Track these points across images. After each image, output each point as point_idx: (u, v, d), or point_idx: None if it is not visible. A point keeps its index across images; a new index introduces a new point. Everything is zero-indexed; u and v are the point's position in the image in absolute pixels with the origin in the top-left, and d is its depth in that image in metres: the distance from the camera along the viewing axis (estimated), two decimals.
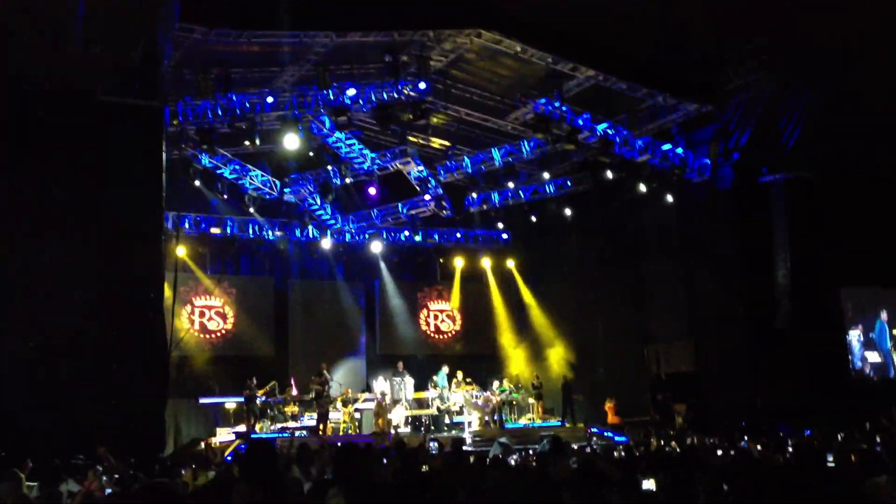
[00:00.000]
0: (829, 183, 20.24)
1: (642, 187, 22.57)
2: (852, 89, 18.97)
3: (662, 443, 16.92)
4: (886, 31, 16.99)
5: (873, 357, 22.29)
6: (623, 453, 12.19)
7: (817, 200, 20.16)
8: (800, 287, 20.41)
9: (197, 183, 21.70)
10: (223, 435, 20.34)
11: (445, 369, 23.28)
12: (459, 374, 23.12)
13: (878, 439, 10.75)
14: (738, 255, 21.10)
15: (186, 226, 22.67)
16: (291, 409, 21.47)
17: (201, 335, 23.96)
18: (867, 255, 20.68)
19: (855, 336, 22.15)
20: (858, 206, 20.12)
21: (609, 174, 22.46)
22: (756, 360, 20.53)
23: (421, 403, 22.75)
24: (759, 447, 11.65)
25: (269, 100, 18.96)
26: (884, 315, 22.61)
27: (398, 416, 21.52)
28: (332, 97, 19.05)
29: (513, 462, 11.11)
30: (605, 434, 21.42)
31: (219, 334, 24.30)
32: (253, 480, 4.94)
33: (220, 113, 18.65)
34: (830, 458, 7.50)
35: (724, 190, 21.37)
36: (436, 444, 14.77)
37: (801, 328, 20.23)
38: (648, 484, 6.35)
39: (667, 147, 21.52)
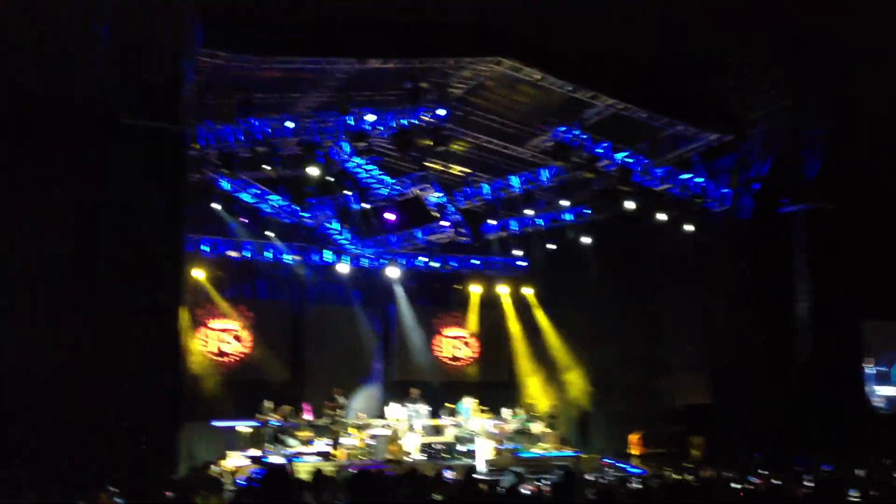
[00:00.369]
0: (851, 214, 20.11)
1: (661, 216, 22.45)
2: (874, 120, 18.93)
3: (677, 475, 16.70)
4: None
5: (891, 392, 22.10)
6: (639, 485, 12.04)
7: (839, 232, 20.01)
8: (821, 319, 20.22)
9: (216, 206, 21.94)
10: (235, 458, 20.26)
11: (467, 400, 23.14)
12: (474, 402, 22.97)
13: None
14: (756, 285, 20.94)
15: (205, 248, 22.77)
16: (305, 434, 21.38)
17: (216, 358, 23.98)
18: (889, 287, 20.53)
19: (874, 370, 21.97)
20: (880, 237, 20.00)
21: (628, 203, 22.39)
22: (774, 392, 20.30)
23: (435, 431, 22.60)
24: (776, 481, 11.50)
25: (290, 125, 19.02)
26: None
27: (412, 443, 21.39)
28: (352, 123, 19.12)
29: (526, 492, 10.98)
30: (620, 465, 21.21)
31: (234, 358, 24.29)
32: None
33: (241, 137, 18.75)
34: (853, 494, 7.38)
35: (744, 220, 21.27)
36: (451, 473, 14.63)
37: (821, 361, 20.03)
38: None
39: (687, 176, 21.44)
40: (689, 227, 22.47)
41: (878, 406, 21.83)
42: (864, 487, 8.33)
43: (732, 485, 11.33)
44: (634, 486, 11.27)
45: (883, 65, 17.51)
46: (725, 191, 21.48)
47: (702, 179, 21.47)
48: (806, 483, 9.99)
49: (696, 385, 22.77)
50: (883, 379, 22.15)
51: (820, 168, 20.27)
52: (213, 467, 18.65)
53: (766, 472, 13.17)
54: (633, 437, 22.13)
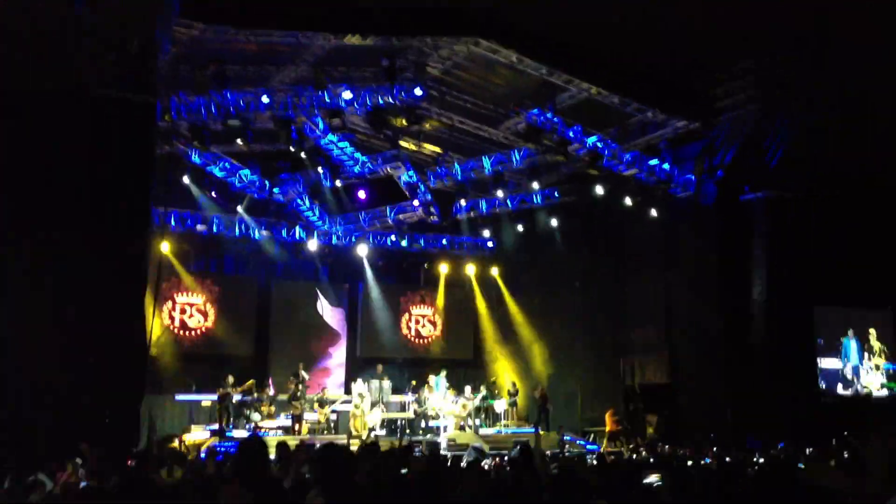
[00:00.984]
0: (809, 203, 20.55)
1: (628, 201, 22.78)
2: (834, 113, 19.28)
3: (634, 452, 17.07)
4: (870, 57, 17.27)
5: (842, 375, 22.70)
6: (595, 461, 12.28)
7: (796, 220, 20.43)
8: (775, 304, 20.68)
9: (186, 179, 21.81)
10: (197, 432, 20.32)
11: (444, 374, 23.37)
12: (431, 378, 23.19)
13: (845, 455, 10.92)
14: (717, 270, 21.36)
15: (172, 222, 22.63)
16: (267, 408, 21.46)
17: (181, 332, 23.92)
18: (842, 275, 21.04)
19: (826, 354, 22.55)
20: (835, 226, 20.45)
21: (597, 187, 22.67)
22: (729, 374, 20.79)
23: (399, 407, 22.81)
24: (728, 458, 11.81)
25: (264, 99, 18.95)
26: (852, 334, 23.01)
27: (375, 419, 21.58)
28: (327, 99, 19.09)
29: (487, 467, 11.19)
30: (578, 442, 21.61)
31: (199, 332, 24.25)
32: (244, 479, 4.97)
33: (213, 110, 18.63)
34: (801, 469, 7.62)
35: (707, 206, 21.62)
36: (418, 448, 14.83)
37: (774, 345, 20.52)
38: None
39: (654, 162, 21.75)
40: (654, 212, 22.83)
41: (835, 390, 22.39)
42: (811, 465, 8.60)
43: (687, 462, 11.62)
44: (593, 461, 11.51)
45: (847, 58, 17.81)
46: (690, 177, 21.79)
47: (668, 165, 21.80)
48: (757, 461, 10.28)
49: (654, 366, 23.20)
50: (839, 364, 22.74)
51: (781, 157, 20.64)
52: (175, 440, 18.71)
53: (720, 451, 13.51)
54: (608, 415, 22.44)
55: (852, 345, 23.00)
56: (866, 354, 23.13)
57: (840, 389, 22.51)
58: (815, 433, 14.89)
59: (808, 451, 11.09)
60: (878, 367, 23.17)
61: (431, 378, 23.10)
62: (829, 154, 19.70)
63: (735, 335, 20.82)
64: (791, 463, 7.33)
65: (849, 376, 22.77)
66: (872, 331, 23.33)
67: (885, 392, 23.03)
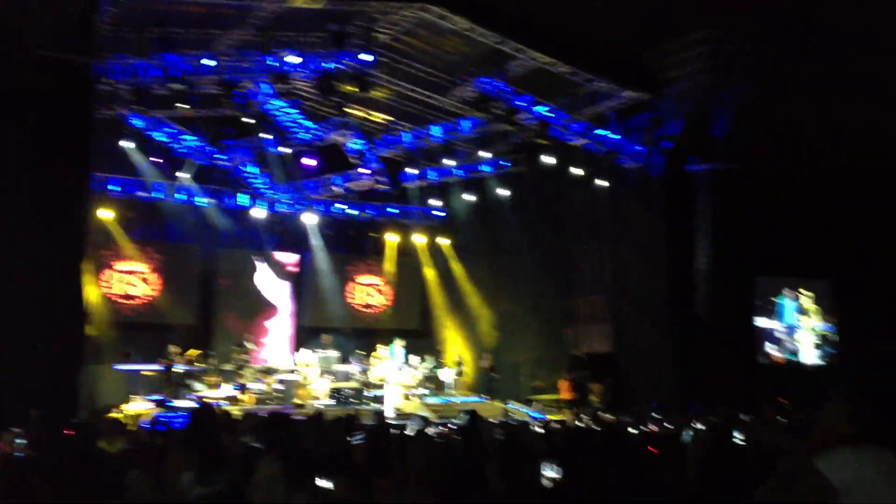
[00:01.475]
0: (754, 175, 20.83)
1: (576, 170, 22.87)
2: (780, 85, 19.52)
3: (578, 420, 17.22)
4: (818, 28, 17.49)
5: (781, 343, 23.28)
6: (541, 429, 12.36)
7: (741, 191, 20.70)
8: (718, 275, 21.01)
9: (126, 144, 21.32)
10: (139, 402, 20.02)
11: (399, 343, 23.30)
12: (381, 348, 23.14)
13: (779, 419, 11.20)
14: (664, 241, 21.58)
15: (113, 188, 22.13)
16: (212, 378, 21.22)
17: (122, 300, 23.49)
18: (784, 246, 21.47)
19: (766, 323, 23.07)
20: (779, 198, 20.79)
21: (545, 156, 22.69)
22: (672, 343, 21.10)
23: (345, 376, 22.73)
24: (669, 426, 12.01)
25: (208, 62, 18.49)
26: (789, 303, 23.54)
27: (321, 389, 21.48)
28: (273, 64, 18.70)
29: (433, 435, 11.17)
30: (523, 410, 21.79)
31: (140, 300, 23.84)
32: (193, 446, 4.87)
33: (156, 73, 18.15)
34: (738, 436, 7.78)
35: (654, 177, 21.80)
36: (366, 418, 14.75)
37: (717, 314, 20.88)
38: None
39: (602, 132, 21.81)
40: (602, 183, 22.96)
41: (774, 357, 22.92)
42: (747, 431, 8.79)
43: (629, 430, 11.77)
44: (537, 429, 11.58)
45: (795, 29, 18.00)
46: (638, 148, 21.92)
47: (617, 136, 21.88)
48: (697, 428, 10.45)
49: (600, 335, 23.43)
50: (779, 332, 23.28)
51: (728, 130, 20.87)
52: (116, 411, 18.41)
53: (661, 418, 13.72)
54: (563, 383, 22.61)
55: (787, 304, 23.51)
56: (799, 315, 23.68)
57: (773, 350, 23.03)
58: (756, 399, 15.14)
59: (742, 417, 11.32)
60: (811, 329, 23.75)
61: (381, 348, 23.00)
62: (775, 128, 19.95)
63: (680, 304, 21.11)
64: (727, 430, 7.47)
65: (782, 337, 23.31)
66: (807, 293, 23.82)
67: (817, 353, 23.61)
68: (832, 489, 2.85)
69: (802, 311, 23.73)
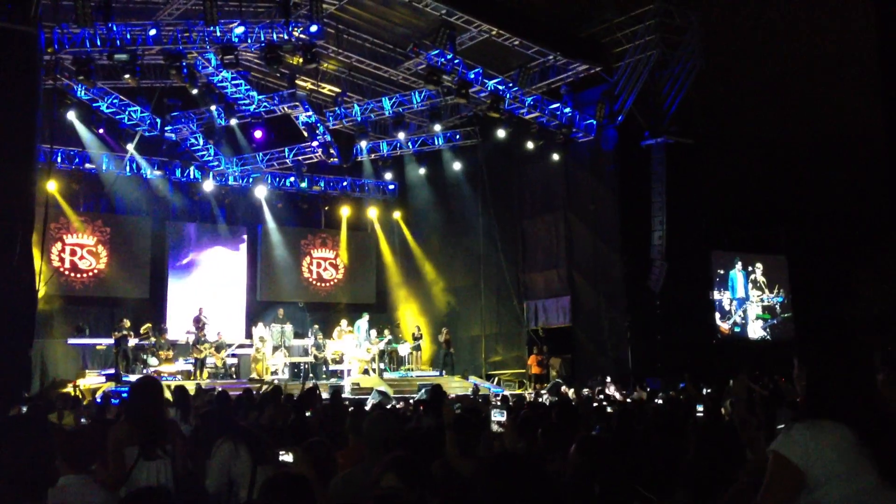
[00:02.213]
0: (707, 149, 21.03)
1: (529, 144, 22.94)
2: (733, 60, 19.74)
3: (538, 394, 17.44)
4: (763, 8, 17.70)
5: (735, 318, 23.68)
6: (499, 403, 12.51)
7: (695, 165, 20.90)
8: (673, 249, 21.25)
9: (72, 115, 20.90)
10: (92, 377, 19.77)
11: (366, 317, 23.22)
12: (343, 323, 23.07)
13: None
14: (618, 215, 21.73)
15: (59, 160, 21.68)
16: (166, 353, 21.00)
17: (72, 274, 23.09)
18: (738, 220, 21.81)
19: (720, 297, 23.44)
20: (733, 172, 21.04)
21: (498, 130, 22.72)
22: (629, 318, 21.34)
23: (302, 351, 22.66)
24: (629, 399, 12.17)
25: (152, 32, 18.10)
26: (740, 277, 23.97)
27: (277, 363, 21.39)
28: (218, 34, 18.35)
29: (392, 410, 11.23)
30: (483, 385, 21.91)
31: (90, 274, 23.45)
32: (133, 418, 4.82)
33: (98, 43, 17.75)
34: (699, 409, 7.95)
35: (607, 151, 21.94)
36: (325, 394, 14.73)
37: (672, 289, 21.14)
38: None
39: (555, 106, 21.88)
40: (555, 157, 23.07)
41: (729, 332, 23.33)
42: (708, 404, 8.94)
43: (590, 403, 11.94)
44: (497, 403, 11.69)
45: (745, 6, 18.20)
46: (591, 122, 22.02)
47: (569, 110, 21.95)
48: (657, 401, 10.62)
49: (556, 309, 23.60)
50: (733, 307, 23.69)
51: (679, 104, 21.06)
52: (68, 385, 18.19)
53: (622, 391, 13.91)
54: (532, 359, 22.75)
55: (738, 277, 23.92)
56: (750, 286, 24.12)
57: (722, 322, 23.44)
58: (712, 373, 15.48)
59: (705, 391, 11.54)
60: (759, 300, 24.23)
61: (344, 322, 22.88)
62: (727, 101, 20.17)
63: (636, 279, 21.32)
64: (688, 403, 7.63)
65: (731, 309, 23.73)
66: (759, 265, 24.27)
67: (760, 323, 24.11)
68: (795, 469, 2.86)
69: (752, 283, 24.16)
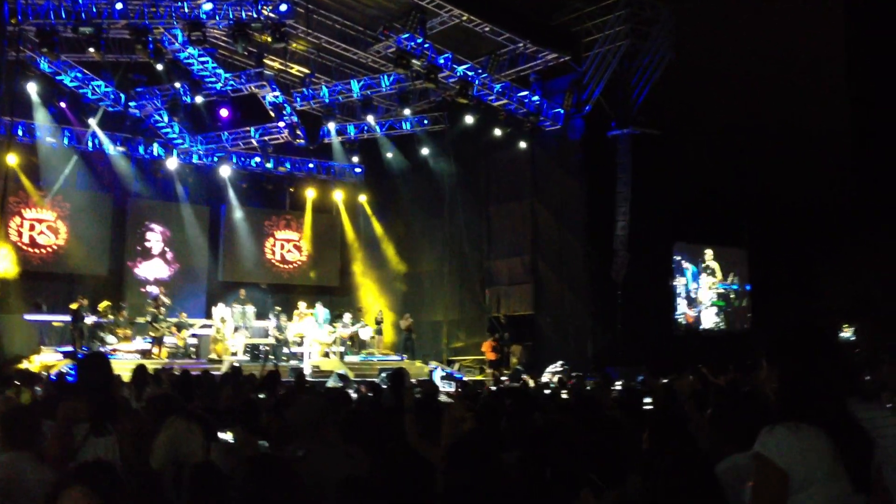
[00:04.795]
0: (673, 141, 21.16)
1: (497, 131, 22.95)
2: (702, 53, 19.86)
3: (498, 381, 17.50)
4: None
5: (695, 309, 23.97)
6: (459, 388, 12.55)
7: (660, 157, 21.03)
8: (636, 240, 21.40)
9: (34, 88, 20.55)
10: (48, 354, 19.52)
11: (319, 305, 23.07)
12: (302, 305, 22.95)
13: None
14: (583, 205, 21.82)
15: (20, 133, 21.31)
16: (124, 331, 20.79)
17: (30, 249, 22.75)
18: (700, 212, 22.00)
19: (681, 289, 23.68)
20: (699, 164, 21.18)
21: (466, 116, 22.71)
22: (591, 307, 21.48)
23: (262, 332, 22.53)
24: (588, 388, 12.26)
25: (119, 6, 17.79)
26: (705, 270, 24.24)
27: (238, 344, 21.26)
28: (186, 10, 18.12)
29: (352, 393, 11.22)
30: (446, 371, 21.96)
31: (49, 250, 23.13)
32: (82, 395, 4.77)
33: (63, 15, 17.45)
34: (648, 400, 8.05)
35: (574, 140, 22.01)
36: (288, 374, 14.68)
37: (634, 279, 21.31)
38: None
39: (523, 93, 21.91)
40: (522, 144, 23.11)
41: (689, 323, 23.58)
42: (660, 395, 9.05)
43: (546, 391, 12.01)
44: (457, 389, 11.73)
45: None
46: (559, 111, 22.08)
47: (537, 98, 21.99)
48: (615, 390, 10.72)
49: (519, 296, 23.70)
50: (693, 299, 23.94)
51: (647, 94, 21.18)
52: (24, 361, 17.95)
53: (580, 381, 13.98)
54: (487, 345, 22.77)
55: (691, 266, 24.20)
56: (705, 274, 24.39)
57: (688, 309, 23.72)
58: (672, 364, 15.55)
59: (661, 381, 11.62)
60: (713, 289, 24.54)
61: (302, 304, 22.73)
62: (694, 93, 20.27)
63: (599, 268, 21.44)
64: (641, 395, 7.71)
65: (687, 295, 23.99)
66: (708, 251, 24.54)
67: (714, 310, 24.41)
68: (781, 472, 2.84)
69: (706, 272, 24.43)
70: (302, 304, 22.78)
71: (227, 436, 5.09)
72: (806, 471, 2.84)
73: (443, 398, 6.37)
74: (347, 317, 23.17)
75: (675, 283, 23.46)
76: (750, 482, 2.94)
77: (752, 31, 19.02)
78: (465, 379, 18.55)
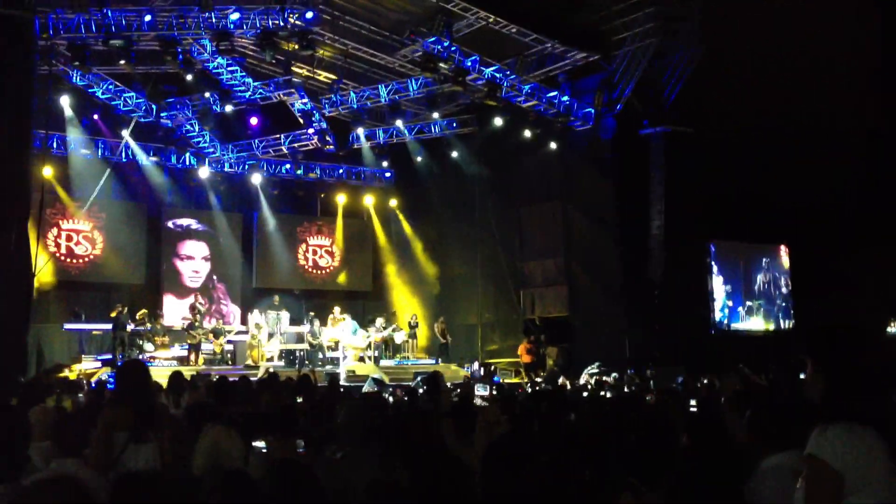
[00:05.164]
0: (707, 138, 20.92)
1: (527, 133, 22.86)
2: (733, 48, 19.61)
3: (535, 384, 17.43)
4: None
5: (734, 309, 23.67)
6: (496, 392, 12.51)
7: (694, 155, 20.82)
8: (671, 239, 21.20)
9: (67, 101, 20.85)
10: (88, 362, 19.79)
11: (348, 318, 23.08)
12: (336, 310, 23.03)
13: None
14: (616, 204, 21.64)
15: (54, 145, 21.64)
16: (162, 339, 21.01)
17: (68, 260, 23.08)
18: (736, 210, 21.72)
19: (719, 288, 23.40)
20: (733, 161, 20.92)
21: (495, 118, 22.67)
22: (626, 308, 21.29)
23: (297, 338, 22.64)
24: (627, 390, 12.17)
25: (147, 18, 18.04)
26: (743, 269, 23.95)
27: (273, 350, 21.39)
28: (213, 20, 18.29)
29: (388, 398, 11.23)
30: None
31: (86, 260, 23.43)
32: (124, 402, 4.82)
33: (93, 29, 17.68)
34: (693, 403, 7.95)
35: (606, 140, 21.83)
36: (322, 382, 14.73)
37: (670, 279, 21.10)
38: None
39: (553, 94, 21.80)
40: (553, 145, 23.00)
41: (726, 324, 23.30)
42: (700, 397, 8.95)
43: (584, 394, 11.93)
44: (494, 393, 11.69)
45: None
46: (589, 111, 21.95)
47: (567, 98, 21.88)
48: (653, 393, 10.62)
49: (554, 298, 23.59)
50: (731, 298, 23.64)
51: (679, 92, 20.97)
52: (64, 370, 18.22)
53: (618, 383, 13.86)
54: (522, 347, 22.70)
55: (737, 267, 23.93)
56: (743, 279, 24.09)
57: (720, 312, 23.44)
58: (710, 364, 15.39)
59: (700, 384, 11.49)
60: (757, 292, 24.24)
61: (337, 310, 22.73)
62: (726, 89, 20.03)
63: (633, 268, 21.26)
64: (683, 396, 7.63)
65: (727, 297, 23.72)
66: (758, 255, 24.24)
67: (758, 312, 24.13)
68: (836, 474, 2.78)
69: (747, 274, 24.15)
70: (336, 310, 22.86)
71: (260, 444, 5.13)
72: (861, 471, 2.78)
73: (478, 401, 6.33)
74: (379, 321, 23.18)
75: (718, 287, 23.19)
76: (798, 484, 2.89)
77: (783, 23, 18.74)
78: (501, 382, 18.54)
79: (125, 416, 4.72)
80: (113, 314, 20.15)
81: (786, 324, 24.31)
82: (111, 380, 13.97)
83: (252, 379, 12.18)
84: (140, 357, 19.81)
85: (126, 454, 4.68)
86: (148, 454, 4.74)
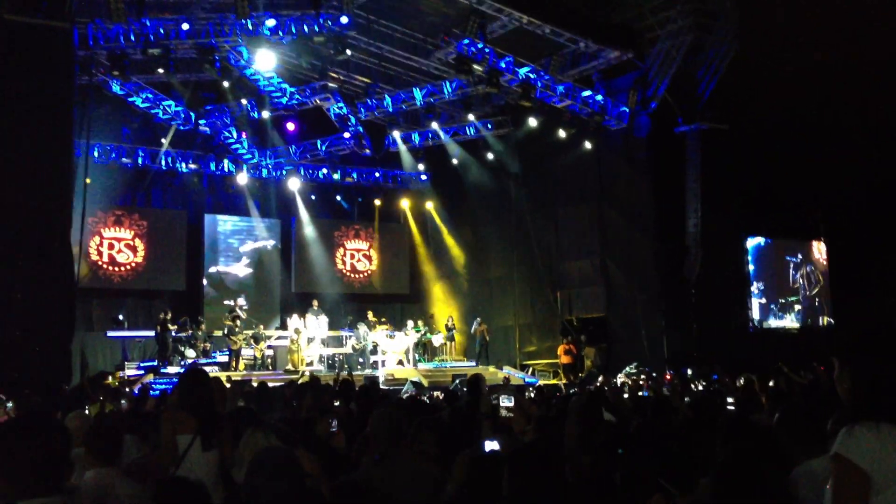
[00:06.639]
0: (742, 135, 20.71)
1: (562, 133, 22.78)
2: (767, 44, 19.39)
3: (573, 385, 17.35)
4: None
5: (772, 306, 23.41)
6: (534, 394, 12.49)
7: (730, 151, 20.60)
8: (708, 237, 21.00)
9: (107, 110, 21.19)
10: (131, 369, 20.08)
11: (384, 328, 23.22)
12: (369, 314, 23.17)
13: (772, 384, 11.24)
14: (651, 203, 21.52)
15: (96, 154, 21.98)
16: (203, 344, 21.26)
17: (110, 268, 23.43)
18: (773, 206, 21.47)
19: (756, 286, 23.16)
20: (768, 158, 20.70)
21: (530, 118, 22.63)
22: (664, 306, 21.13)
23: (336, 342, 22.78)
24: (665, 390, 12.07)
25: (185, 27, 18.28)
26: (779, 265, 23.67)
27: (312, 354, 21.54)
28: (250, 27, 18.50)
29: (426, 400, 11.26)
30: (517, 376, 21.88)
31: (128, 267, 23.78)
32: (189, 408, 4.91)
33: (132, 38, 17.95)
34: (731, 401, 7.88)
35: (641, 138, 21.70)
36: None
37: (707, 277, 20.90)
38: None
39: (587, 93, 21.72)
40: (588, 145, 22.89)
41: (765, 321, 23.07)
42: (739, 397, 8.85)
43: (623, 395, 11.85)
44: (531, 394, 11.67)
45: None
46: (623, 109, 21.83)
47: (601, 97, 21.78)
48: (692, 393, 10.53)
49: (590, 298, 23.47)
50: (768, 296, 23.39)
51: (713, 89, 20.77)
52: (108, 377, 18.49)
53: (657, 382, 13.77)
54: (561, 348, 22.64)
55: (775, 264, 23.67)
56: (781, 277, 23.83)
57: (759, 309, 23.21)
58: (747, 363, 15.21)
59: (738, 383, 11.37)
60: (794, 290, 23.95)
61: (370, 315, 22.88)
62: (761, 86, 19.82)
63: (670, 267, 21.12)
64: (720, 395, 7.55)
65: (765, 295, 23.48)
66: (796, 251, 23.95)
67: (796, 309, 23.83)
68: (863, 473, 2.74)
69: (783, 271, 23.88)
70: (369, 314, 23.01)
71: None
72: (888, 470, 2.74)
73: (503, 412, 6.25)
74: (410, 324, 23.21)
75: (756, 285, 22.94)
76: (827, 485, 2.86)
77: (816, 19, 18.48)
78: (539, 383, 18.49)
79: (188, 421, 4.81)
80: (157, 323, 20.40)
81: (822, 321, 23.96)
82: (153, 386, 14.18)
83: (292, 384, 12.27)
84: (182, 363, 20.12)
85: (192, 460, 4.76)
86: (210, 462, 4.82)
